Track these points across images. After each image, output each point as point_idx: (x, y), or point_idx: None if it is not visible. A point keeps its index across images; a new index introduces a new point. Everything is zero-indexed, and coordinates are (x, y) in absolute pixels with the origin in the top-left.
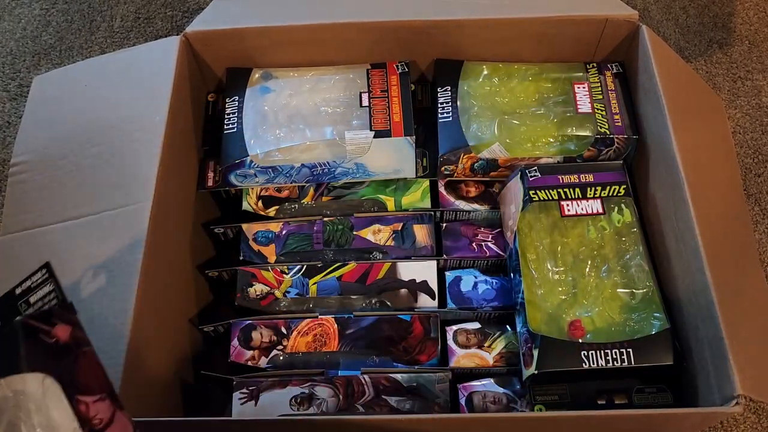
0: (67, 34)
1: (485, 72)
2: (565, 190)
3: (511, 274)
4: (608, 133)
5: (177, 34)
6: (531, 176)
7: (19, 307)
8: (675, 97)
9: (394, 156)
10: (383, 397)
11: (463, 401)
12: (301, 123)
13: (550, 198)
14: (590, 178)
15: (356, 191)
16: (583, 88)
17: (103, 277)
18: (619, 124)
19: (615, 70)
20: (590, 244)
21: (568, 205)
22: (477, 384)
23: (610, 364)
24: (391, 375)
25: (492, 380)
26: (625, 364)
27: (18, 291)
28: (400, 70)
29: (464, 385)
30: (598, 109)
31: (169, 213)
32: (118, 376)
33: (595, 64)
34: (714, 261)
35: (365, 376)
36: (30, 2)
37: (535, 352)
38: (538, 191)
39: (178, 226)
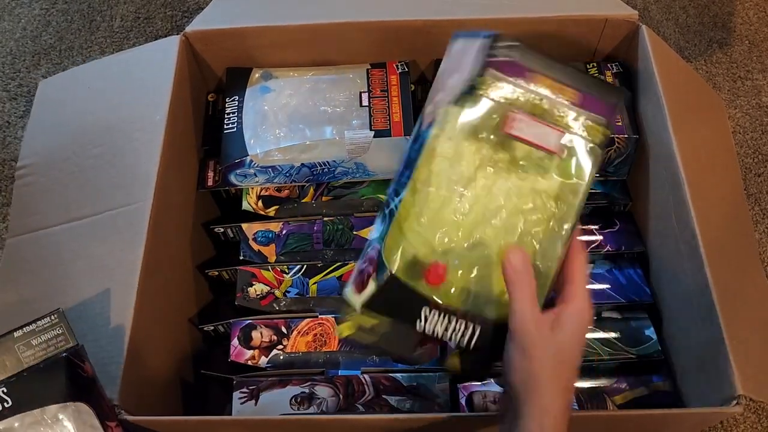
0: (67, 34)
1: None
2: (529, 97)
3: (402, 168)
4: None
5: (177, 34)
6: (499, 55)
7: (17, 349)
8: (675, 97)
9: (394, 156)
10: (383, 396)
11: (463, 401)
12: (300, 123)
13: (503, 98)
14: (573, 96)
15: (356, 191)
16: None
17: (103, 276)
18: (620, 123)
19: (615, 70)
20: (517, 189)
21: (520, 121)
22: (477, 384)
23: (446, 336)
24: (391, 374)
25: (492, 380)
26: (460, 342)
27: (18, 334)
28: (400, 70)
29: (464, 384)
30: None
31: (169, 213)
32: (118, 376)
33: (595, 64)
34: (714, 261)
35: (365, 376)
36: (30, 2)
37: (371, 285)
38: (495, 81)
39: (178, 225)
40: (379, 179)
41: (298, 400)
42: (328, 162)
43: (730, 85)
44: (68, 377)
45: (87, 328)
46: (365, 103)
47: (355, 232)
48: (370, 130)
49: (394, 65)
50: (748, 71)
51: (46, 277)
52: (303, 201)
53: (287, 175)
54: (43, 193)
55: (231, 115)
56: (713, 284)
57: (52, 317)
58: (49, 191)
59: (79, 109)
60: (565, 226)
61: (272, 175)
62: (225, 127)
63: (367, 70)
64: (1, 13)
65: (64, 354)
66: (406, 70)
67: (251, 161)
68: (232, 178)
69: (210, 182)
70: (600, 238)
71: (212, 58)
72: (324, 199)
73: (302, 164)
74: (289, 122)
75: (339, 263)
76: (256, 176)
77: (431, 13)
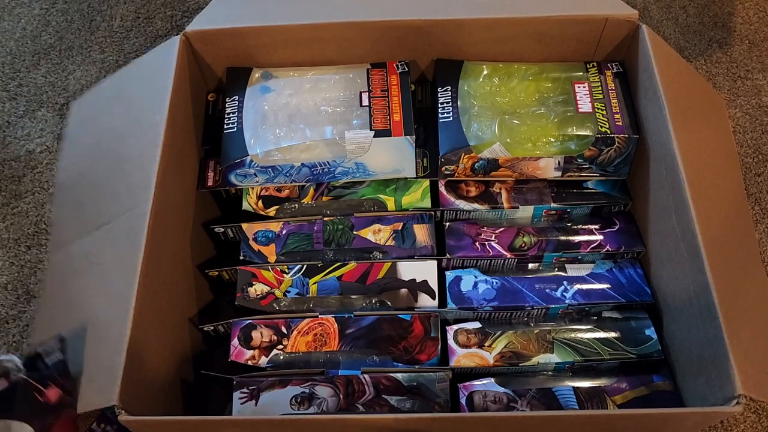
0: (67, 34)
1: (485, 72)
2: None
3: None
4: (609, 132)
5: (177, 34)
6: None
7: (38, 365)
8: (675, 97)
9: (394, 155)
10: (383, 396)
11: (463, 401)
12: (301, 123)
13: None
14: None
15: (356, 191)
16: (584, 87)
17: (103, 276)
18: (620, 123)
19: (615, 70)
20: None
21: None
22: (477, 383)
23: None
24: (391, 374)
25: (492, 380)
26: None
27: (39, 350)
28: (400, 70)
29: (464, 384)
30: (598, 109)
31: (169, 213)
32: (118, 376)
33: (595, 64)
34: (714, 260)
35: (365, 376)
36: (30, 2)
37: None
38: None
39: (178, 225)
40: (380, 179)
41: (299, 400)
42: (328, 162)
43: (730, 84)
44: (21, 397)
45: (86, 329)
46: (365, 102)
47: (355, 232)
48: (371, 129)
49: (395, 65)
50: (748, 71)
51: (46, 277)
52: (303, 201)
53: (287, 175)
54: (64, 209)
55: (231, 115)
56: (713, 284)
57: (59, 343)
58: (67, 207)
59: (97, 125)
60: None
61: (272, 175)
62: (225, 127)
63: (368, 69)
64: (0, 13)
65: (23, 376)
66: (406, 70)
67: (251, 161)
68: (233, 178)
69: (210, 182)
70: (600, 237)
71: (212, 57)
72: (324, 199)
73: (302, 164)
74: (289, 122)
75: (339, 263)
76: (256, 176)
77: (431, 13)
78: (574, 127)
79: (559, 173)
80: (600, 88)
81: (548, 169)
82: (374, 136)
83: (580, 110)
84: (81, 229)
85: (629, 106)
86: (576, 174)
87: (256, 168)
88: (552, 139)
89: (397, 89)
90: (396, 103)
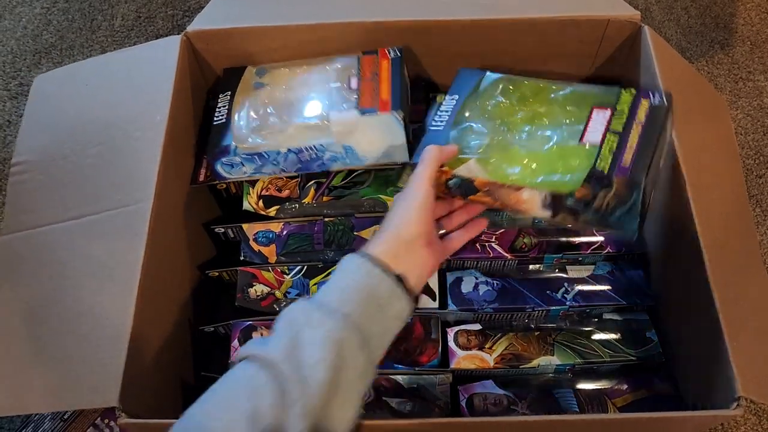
0: (68, 33)
1: (508, 86)
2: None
3: None
4: (606, 170)
5: (178, 34)
6: None
7: None
8: (677, 98)
9: (383, 134)
10: (384, 398)
11: (463, 403)
12: (289, 110)
13: None
14: None
15: (357, 191)
16: (603, 114)
17: (103, 277)
18: (626, 165)
19: (656, 102)
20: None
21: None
22: (478, 385)
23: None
24: (391, 376)
25: (493, 382)
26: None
27: None
28: (391, 56)
29: (464, 386)
30: (608, 141)
31: (170, 213)
32: (118, 376)
33: (633, 90)
34: (715, 262)
35: None
36: (31, 1)
37: None
38: None
39: (179, 226)
40: (371, 165)
41: None
42: (314, 146)
43: (731, 86)
44: None
45: (87, 328)
46: (354, 86)
47: (355, 233)
48: (357, 109)
49: (386, 50)
50: (750, 72)
51: (44, 276)
52: (304, 201)
53: (275, 162)
54: (40, 191)
55: (222, 108)
56: (714, 286)
57: None
58: (45, 189)
59: (76, 107)
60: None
61: (259, 163)
62: (214, 119)
63: (358, 57)
64: (2, 12)
65: None
66: (399, 55)
67: (236, 148)
68: (219, 169)
69: (202, 177)
70: (601, 239)
71: (213, 58)
72: (325, 199)
73: (288, 150)
74: (277, 111)
75: None
76: (243, 165)
77: (431, 13)
78: (567, 156)
79: (549, 213)
80: (623, 119)
81: (533, 203)
82: (360, 114)
83: (583, 140)
84: (58, 213)
85: (649, 149)
86: (571, 219)
87: (242, 156)
88: (534, 165)
89: (388, 73)
90: (385, 86)
